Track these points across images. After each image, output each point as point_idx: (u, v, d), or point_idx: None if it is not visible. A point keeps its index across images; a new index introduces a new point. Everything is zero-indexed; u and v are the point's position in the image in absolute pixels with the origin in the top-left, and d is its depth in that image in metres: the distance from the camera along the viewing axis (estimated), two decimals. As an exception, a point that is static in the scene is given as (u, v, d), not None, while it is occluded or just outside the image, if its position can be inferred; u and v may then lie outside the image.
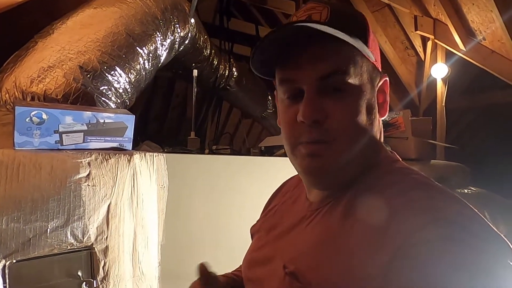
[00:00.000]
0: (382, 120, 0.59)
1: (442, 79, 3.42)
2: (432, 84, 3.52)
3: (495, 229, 0.43)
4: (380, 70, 0.57)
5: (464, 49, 3.10)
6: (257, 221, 0.75)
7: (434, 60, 3.48)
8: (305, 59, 0.51)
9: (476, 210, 0.44)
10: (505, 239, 0.42)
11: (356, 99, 0.51)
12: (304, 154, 0.53)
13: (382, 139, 0.59)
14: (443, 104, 3.43)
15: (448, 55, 3.41)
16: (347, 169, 0.53)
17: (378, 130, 0.57)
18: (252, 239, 0.73)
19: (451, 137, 3.66)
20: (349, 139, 0.51)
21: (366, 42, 0.52)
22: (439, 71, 3.37)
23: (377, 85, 0.56)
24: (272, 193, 0.79)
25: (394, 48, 3.73)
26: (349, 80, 0.50)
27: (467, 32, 3.06)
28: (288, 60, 0.53)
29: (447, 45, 3.27)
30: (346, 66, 0.50)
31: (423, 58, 3.61)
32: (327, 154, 0.51)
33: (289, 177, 0.77)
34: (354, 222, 0.49)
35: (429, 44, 3.47)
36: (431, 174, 2.41)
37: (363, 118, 0.52)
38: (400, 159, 0.58)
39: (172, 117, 4.09)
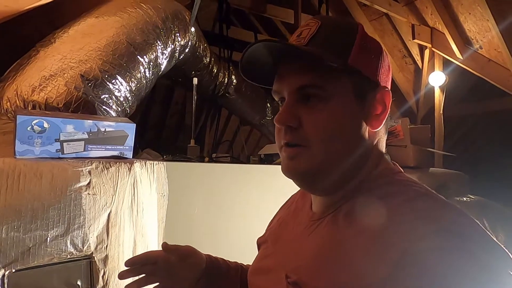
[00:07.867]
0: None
1: (439, 87, 3.45)
2: (430, 92, 3.55)
3: (496, 240, 0.44)
4: (378, 81, 0.58)
5: (461, 58, 3.13)
6: (264, 232, 0.76)
7: (431, 68, 3.50)
8: (286, 73, 0.57)
9: (478, 222, 0.45)
10: (506, 250, 0.43)
11: (331, 109, 0.54)
12: (284, 156, 0.57)
13: (382, 150, 0.60)
14: (441, 112, 3.45)
15: (446, 63, 3.43)
16: (331, 174, 0.55)
17: (372, 140, 0.58)
18: (258, 250, 0.74)
19: (449, 145, 3.67)
20: (323, 146, 0.54)
21: (347, 55, 0.54)
22: (436, 79, 3.39)
23: (372, 96, 0.57)
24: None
25: (392, 56, 3.76)
26: (324, 92, 0.54)
27: (464, 41, 3.10)
28: (277, 73, 0.59)
29: (445, 54, 3.30)
30: (320, 79, 0.54)
31: (420, 66, 3.64)
32: (303, 157, 0.55)
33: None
34: (356, 231, 0.50)
35: (427, 52, 3.50)
36: (430, 182, 2.42)
37: (339, 128, 0.54)
38: (402, 171, 0.59)
39: (170, 125, 4.09)
